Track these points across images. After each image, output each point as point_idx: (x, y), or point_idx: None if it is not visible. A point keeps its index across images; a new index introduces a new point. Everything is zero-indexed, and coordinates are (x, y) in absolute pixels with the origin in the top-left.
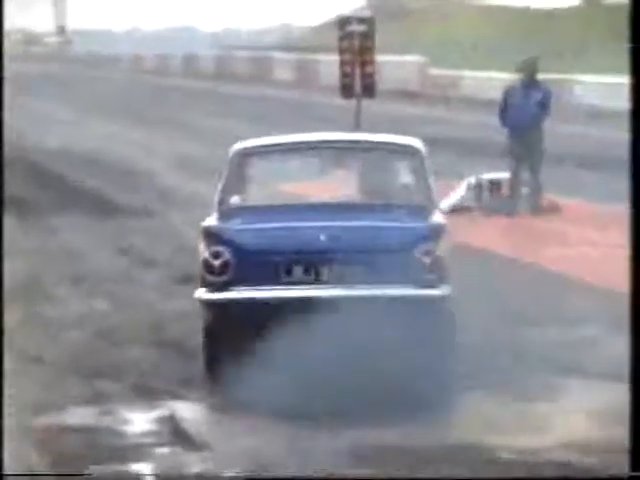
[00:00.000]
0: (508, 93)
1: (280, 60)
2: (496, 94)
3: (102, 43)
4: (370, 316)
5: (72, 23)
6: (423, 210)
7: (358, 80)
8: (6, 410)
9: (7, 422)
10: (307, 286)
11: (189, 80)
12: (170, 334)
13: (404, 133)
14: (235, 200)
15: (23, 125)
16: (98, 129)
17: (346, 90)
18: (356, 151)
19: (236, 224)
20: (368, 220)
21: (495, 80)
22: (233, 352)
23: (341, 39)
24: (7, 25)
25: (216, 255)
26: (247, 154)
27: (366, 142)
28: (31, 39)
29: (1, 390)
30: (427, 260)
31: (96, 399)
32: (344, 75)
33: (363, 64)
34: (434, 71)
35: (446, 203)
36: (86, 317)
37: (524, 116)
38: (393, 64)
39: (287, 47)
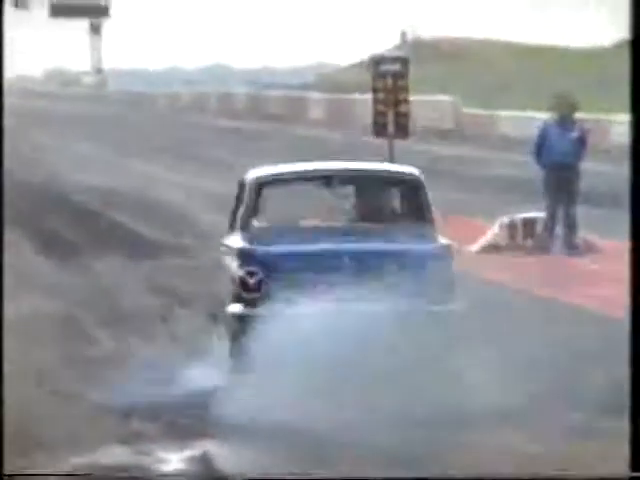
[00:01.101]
0: (544, 131)
1: (314, 99)
2: (532, 133)
3: (138, 82)
4: (388, 327)
5: (109, 63)
6: (429, 233)
7: (391, 119)
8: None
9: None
10: (332, 303)
11: (223, 119)
12: None
13: (438, 172)
14: (255, 223)
15: (61, 165)
16: (134, 169)
17: (379, 129)
18: (364, 179)
19: (267, 246)
20: (382, 243)
21: (531, 119)
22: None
23: (375, 78)
24: (46, 66)
25: (251, 274)
26: (264, 182)
27: (372, 171)
28: (68, 79)
29: (1, 390)
30: (437, 278)
31: (132, 439)
32: (377, 114)
33: (397, 103)
34: (468, 110)
35: (480, 242)
36: (122, 356)
37: (560, 154)
38: (427, 104)
39: (321, 86)
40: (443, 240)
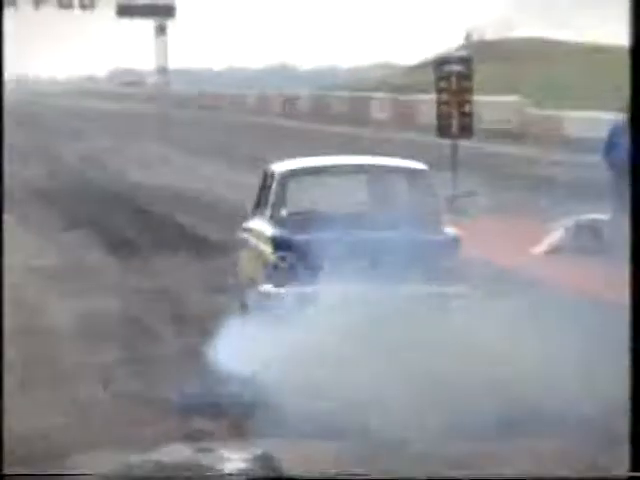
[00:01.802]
0: (613, 132)
1: (377, 99)
2: (596, 134)
3: (203, 83)
4: (399, 307)
5: (173, 63)
6: (436, 222)
7: (455, 120)
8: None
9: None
10: (352, 284)
11: (287, 120)
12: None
13: (501, 173)
14: (283, 212)
15: (125, 165)
16: (197, 169)
17: (443, 130)
18: (378, 172)
19: (295, 234)
20: (396, 231)
21: (596, 120)
22: None
23: (439, 79)
24: (110, 67)
25: (282, 259)
26: (291, 174)
27: (385, 164)
28: (133, 79)
29: (1, 390)
30: (449, 262)
31: (195, 437)
32: (441, 115)
33: (461, 104)
34: (533, 111)
35: (544, 243)
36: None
37: (629, 156)
38: (491, 104)
39: (384, 86)
40: (450, 230)
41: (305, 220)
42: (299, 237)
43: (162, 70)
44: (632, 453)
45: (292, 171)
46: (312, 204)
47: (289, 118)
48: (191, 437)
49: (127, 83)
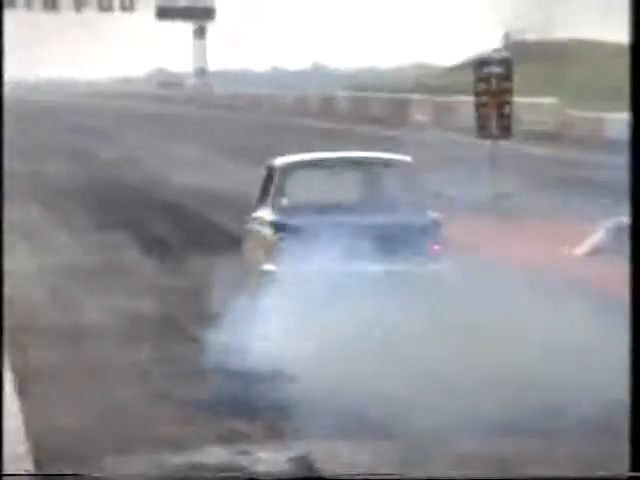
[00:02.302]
0: None
1: (416, 101)
2: None
3: (241, 84)
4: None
5: (212, 64)
6: (420, 208)
7: (494, 121)
8: None
9: None
10: (344, 263)
11: (325, 121)
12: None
13: (541, 174)
14: (284, 200)
15: (162, 167)
16: (235, 171)
17: (482, 131)
18: (369, 164)
19: (293, 219)
20: (383, 216)
21: None
22: None
23: (478, 80)
24: (149, 68)
25: (282, 240)
26: (290, 167)
27: (375, 158)
28: (172, 81)
29: (1, 390)
30: (430, 244)
31: (230, 440)
32: (480, 116)
33: (500, 105)
34: (572, 113)
35: (585, 244)
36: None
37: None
38: (530, 106)
39: (423, 87)
40: (432, 214)
41: (302, 207)
42: (295, 221)
43: (201, 72)
44: (632, 453)
45: (291, 164)
46: (309, 193)
47: (327, 119)
48: (226, 438)
49: (166, 85)
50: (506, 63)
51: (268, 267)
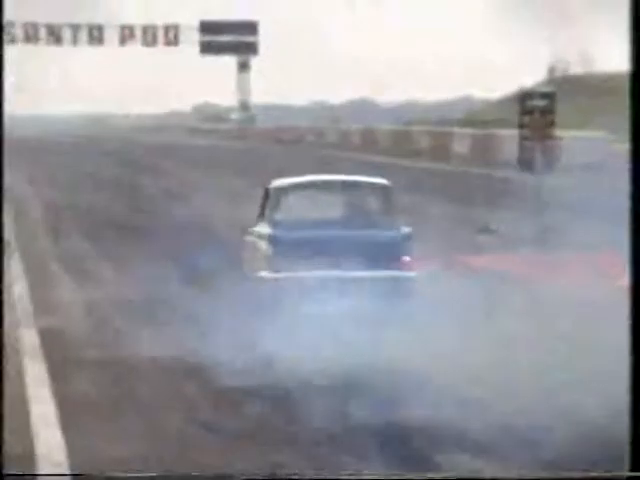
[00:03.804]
0: None
1: (459, 134)
2: None
3: (285, 118)
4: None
5: (256, 98)
6: (395, 224)
7: (538, 155)
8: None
9: None
10: (329, 271)
11: (367, 154)
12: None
13: (582, 207)
14: (278, 216)
15: (209, 200)
16: None
17: (526, 165)
18: (353, 187)
19: (285, 232)
20: (363, 230)
21: None
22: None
23: (522, 114)
24: (193, 102)
25: (276, 251)
26: (284, 189)
27: (359, 181)
28: (217, 115)
29: (1, 390)
30: (402, 254)
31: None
32: (524, 149)
33: (543, 138)
34: (619, 146)
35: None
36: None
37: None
38: (575, 139)
39: (467, 121)
40: (406, 229)
41: (293, 223)
42: (287, 235)
43: (245, 105)
44: (632, 453)
45: (285, 186)
46: (301, 211)
47: (369, 152)
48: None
49: (211, 118)
50: (550, 97)
51: (263, 275)
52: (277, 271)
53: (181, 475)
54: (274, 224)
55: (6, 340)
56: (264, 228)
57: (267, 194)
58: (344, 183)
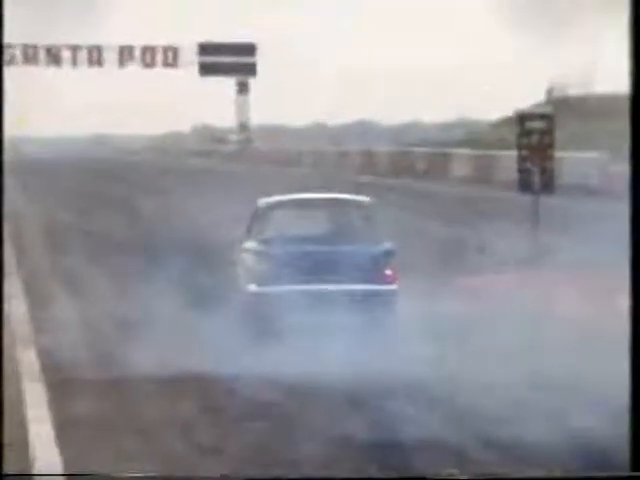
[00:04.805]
0: None
1: (457, 155)
2: None
3: (283, 139)
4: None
5: (254, 119)
6: (376, 239)
7: (537, 176)
8: None
9: None
10: (314, 284)
11: (365, 175)
12: None
13: (585, 231)
14: (266, 233)
15: (209, 222)
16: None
17: (524, 186)
18: (336, 204)
19: (271, 248)
20: (346, 246)
21: None
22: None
23: (520, 135)
24: (192, 124)
25: (263, 265)
26: (271, 207)
27: (341, 198)
28: (216, 136)
29: (1, 390)
30: (384, 268)
31: None
32: (522, 171)
33: (542, 160)
34: (616, 167)
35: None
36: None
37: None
38: (573, 160)
39: (465, 142)
40: (387, 244)
41: (279, 239)
42: (274, 250)
43: (243, 127)
44: (632, 453)
45: (271, 204)
46: (288, 228)
47: (367, 173)
48: None
49: (209, 140)
50: (548, 118)
51: (252, 288)
52: (264, 285)
53: (181, 475)
54: (261, 240)
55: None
56: (252, 244)
57: (255, 211)
58: (328, 200)
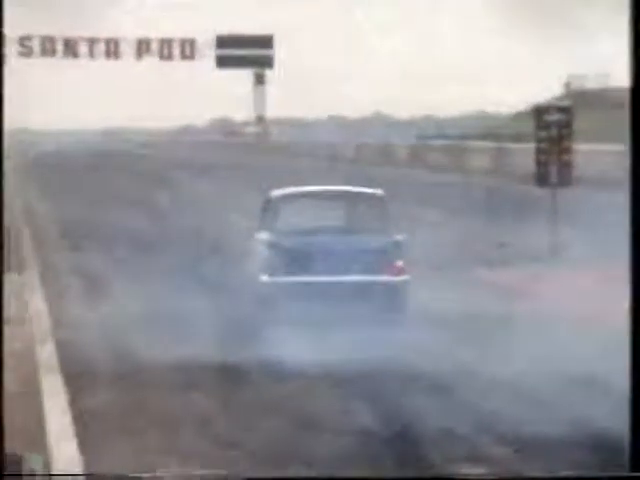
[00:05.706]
0: None
1: (475, 148)
2: None
3: (300, 132)
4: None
5: (271, 111)
6: (388, 231)
7: (554, 168)
8: None
9: None
10: (324, 276)
11: (384, 168)
12: None
13: (602, 223)
14: (278, 224)
15: (223, 212)
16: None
17: (542, 178)
18: (348, 196)
19: (283, 239)
20: (358, 237)
21: None
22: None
23: (538, 128)
24: (209, 116)
25: (276, 256)
26: (283, 198)
27: (353, 191)
28: (232, 129)
29: (1, 390)
30: (394, 259)
31: None
32: (540, 163)
33: (560, 153)
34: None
35: None
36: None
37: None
38: (592, 153)
39: (483, 135)
40: (398, 236)
41: (292, 230)
42: (286, 241)
43: (260, 119)
44: (632, 453)
45: (284, 195)
46: (299, 218)
47: (385, 165)
48: None
49: (227, 133)
50: (567, 111)
51: (264, 279)
52: (276, 276)
53: (182, 476)
54: (273, 231)
55: None
56: (264, 235)
57: (268, 203)
58: (340, 193)
